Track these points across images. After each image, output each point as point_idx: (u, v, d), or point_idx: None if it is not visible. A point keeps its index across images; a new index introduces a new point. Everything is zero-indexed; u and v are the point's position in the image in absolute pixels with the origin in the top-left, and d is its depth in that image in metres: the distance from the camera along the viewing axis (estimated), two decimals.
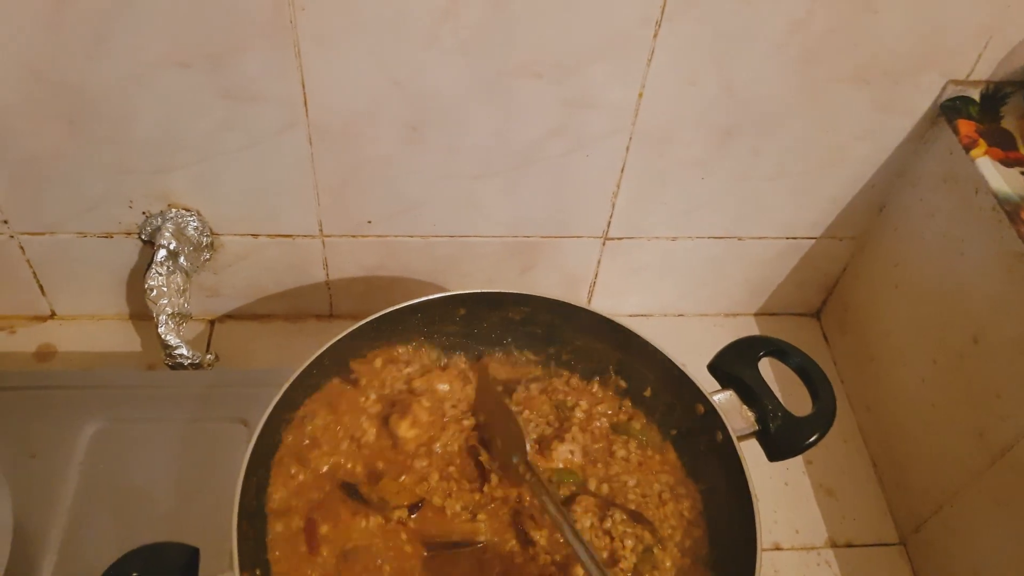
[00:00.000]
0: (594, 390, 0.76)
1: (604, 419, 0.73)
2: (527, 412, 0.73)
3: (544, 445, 0.70)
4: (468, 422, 0.72)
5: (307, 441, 0.69)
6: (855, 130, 0.84)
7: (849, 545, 0.86)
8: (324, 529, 0.64)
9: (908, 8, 0.74)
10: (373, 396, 0.72)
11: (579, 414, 0.74)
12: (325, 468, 0.67)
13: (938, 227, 0.83)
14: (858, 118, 0.82)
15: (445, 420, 0.71)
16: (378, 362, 0.74)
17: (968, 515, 0.78)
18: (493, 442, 0.70)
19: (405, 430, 0.69)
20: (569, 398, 0.75)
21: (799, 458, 0.91)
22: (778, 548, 0.85)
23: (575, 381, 0.77)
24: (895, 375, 0.89)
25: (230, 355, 0.93)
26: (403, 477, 0.67)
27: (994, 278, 0.75)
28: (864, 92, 0.80)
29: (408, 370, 0.74)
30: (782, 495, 0.88)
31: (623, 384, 0.76)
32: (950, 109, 0.81)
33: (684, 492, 0.70)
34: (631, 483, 0.69)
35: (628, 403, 0.76)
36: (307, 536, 0.63)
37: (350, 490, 0.66)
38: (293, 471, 0.67)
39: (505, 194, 0.86)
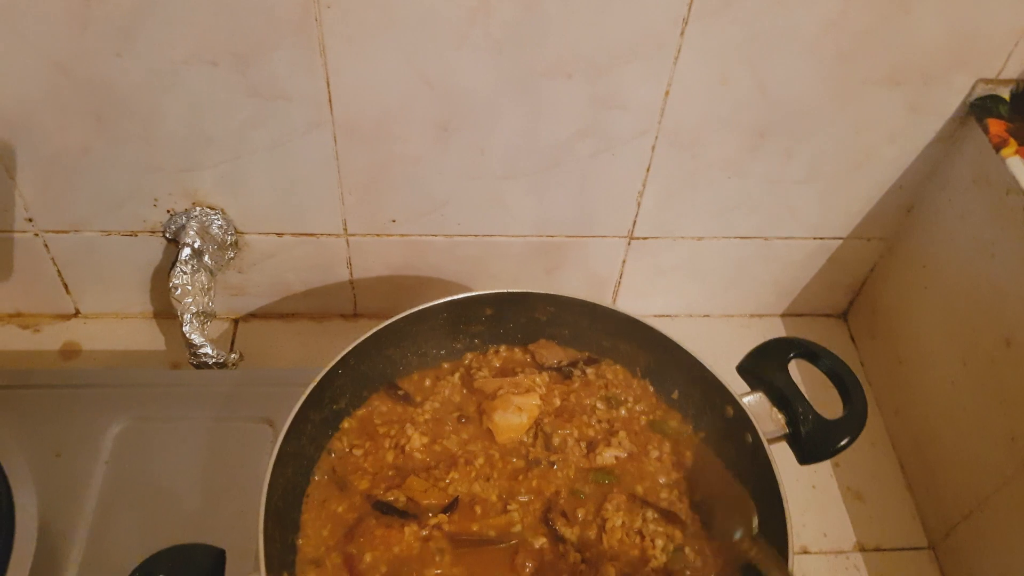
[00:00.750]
0: (634, 385, 0.76)
1: (644, 417, 0.73)
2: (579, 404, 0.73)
3: (592, 447, 0.70)
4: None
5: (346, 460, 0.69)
6: (886, 131, 0.83)
7: (878, 549, 0.85)
8: (366, 559, 0.63)
9: (940, 7, 0.73)
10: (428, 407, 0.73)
11: (623, 412, 0.73)
12: (364, 485, 0.67)
13: (968, 229, 0.82)
14: (889, 119, 0.81)
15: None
16: (427, 382, 0.75)
17: (1000, 521, 0.77)
18: (711, 512, 0.68)
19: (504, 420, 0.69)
20: (620, 392, 0.75)
21: (827, 461, 0.90)
22: (806, 552, 0.84)
23: (622, 373, 0.76)
24: (924, 378, 0.88)
25: (254, 354, 0.92)
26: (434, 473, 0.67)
27: None
28: (896, 93, 0.79)
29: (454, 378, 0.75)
30: (810, 498, 0.87)
31: (651, 387, 0.76)
32: (980, 108, 0.80)
33: None
34: (663, 481, 0.68)
35: (663, 402, 0.75)
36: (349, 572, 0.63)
37: (383, 507, 0.65)
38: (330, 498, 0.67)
39: (532, 194, 0.85)
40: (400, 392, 0.73)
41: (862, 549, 0.84)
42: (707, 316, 1.02)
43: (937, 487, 0.85)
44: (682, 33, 0.73)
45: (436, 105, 0.76)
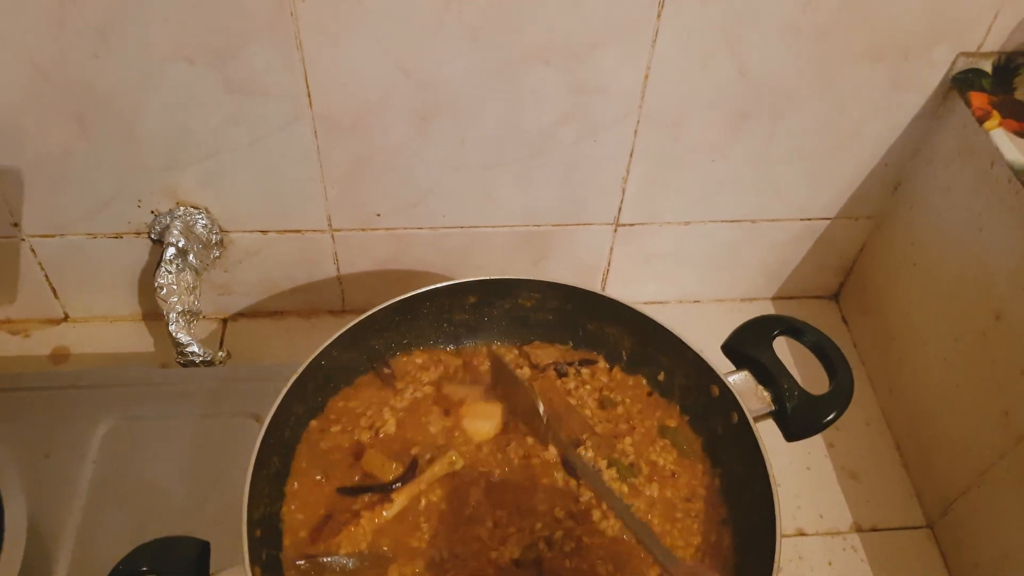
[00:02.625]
0: (631, 383, 0.76)
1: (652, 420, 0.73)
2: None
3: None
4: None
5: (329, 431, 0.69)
6: (868, 108, 0.82)
7: (875, 529, 0.84)
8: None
9: None
10: (409, 392, 0.72)
11: (620, 410, 0.73)
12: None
13: (954, 203, 0.81)
14: (871, 96, 0.81)
15: None
16: (419, 360, 0.75)
17: (996, 496, 0.76)
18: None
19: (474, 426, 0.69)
20: (614, 394, 0.74)
21: (821, 442, 0.90)
22: (802, 534, 0.83)
23: (618, 374, 0.76)
24: (917, 356, 0.87)
25: (243, 352, 0.92)
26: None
27: (1015, 252, 0.73)
28: (876, 69, 0.79)
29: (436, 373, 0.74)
30: (805, 480, 0.87)
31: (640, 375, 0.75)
32: (962, 82, 0.80)
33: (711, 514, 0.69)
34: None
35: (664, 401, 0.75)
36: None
37: (348, 491, 0.65)
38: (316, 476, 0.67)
39: (515, 183, 0.85)
40: (386, 371, 0.73)
41: (859, 529, 0.84)
42: (698, 302, 1.02)
43: (933, 465, 0.85)
44: (659, 16, 0.73)
45: (414, 95, 0.76)
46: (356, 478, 0.66)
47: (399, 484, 0.65)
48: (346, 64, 0.74)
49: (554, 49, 0.74)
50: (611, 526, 0.65)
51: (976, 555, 0.79)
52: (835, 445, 0.90)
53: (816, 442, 0.90)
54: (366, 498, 0.65)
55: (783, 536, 0.82)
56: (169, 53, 0.71)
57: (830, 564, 0.81)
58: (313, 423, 0.70)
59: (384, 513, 0.64)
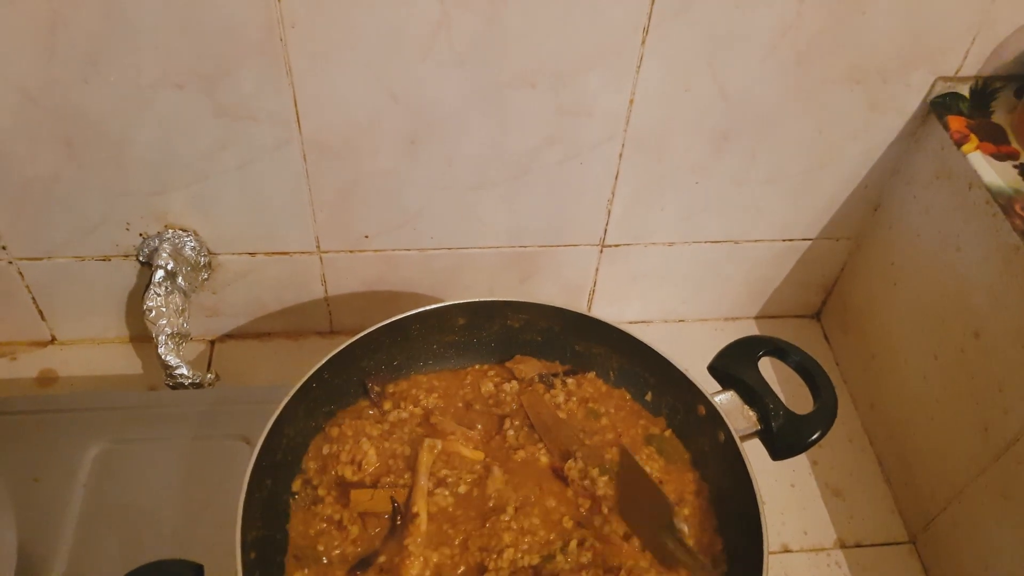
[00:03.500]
0: (615, 395, 0.77)
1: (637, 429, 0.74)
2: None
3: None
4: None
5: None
6: (848, 130, 0.84)
7: (858, 545, 0.85)
8: None
9: (894, 6, 0.74)
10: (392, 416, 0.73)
11: (605, 421, 0.74)
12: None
13: (933, 224, 0.83)
14: (850, 118, 0.83)
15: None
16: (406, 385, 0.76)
17: (977, 510, 0.77)
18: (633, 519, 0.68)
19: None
20: (599, 405, 0.75)
21: (805, 459, 0.91)
22: (787, 550, 0.84)
23: (603, 385, 0.77)
24: (897, 373, 0.89)
25: (232, 374, 0.93)
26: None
27: (992, 272, 0.75)
28: (855, 92, 0.81)
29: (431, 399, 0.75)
30: (789, 497, 0.88)
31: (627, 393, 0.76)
32: (940, 106, 0.82)
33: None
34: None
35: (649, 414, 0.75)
36: None
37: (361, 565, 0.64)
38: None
39: (502, 204, 0.86)
40: (376, 391, 0.74)
41: (843, 546, 0.85)
42: (682, 320, 1.03)
43: (914, 480, 0.86)
44: (643, 42, 0.74)
45: (403, 119, 0.77)
46: (355, 531, 0.65)
47: (399, 519, 0.65)
48: (335, 89, 0.75)
49: (540, 73, 0.75)
50: (615, 531, 0.66)
51: (958, 570, 0.80)
52: (819, 462, 0.91)
53: (800, 459, 0.91)
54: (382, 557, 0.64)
55: (769, 553, 0.83)
56: (158, 79, 0.72)
57: None
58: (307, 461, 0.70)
59: (421, 527, 0.64)
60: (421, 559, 0.63)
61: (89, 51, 0.69)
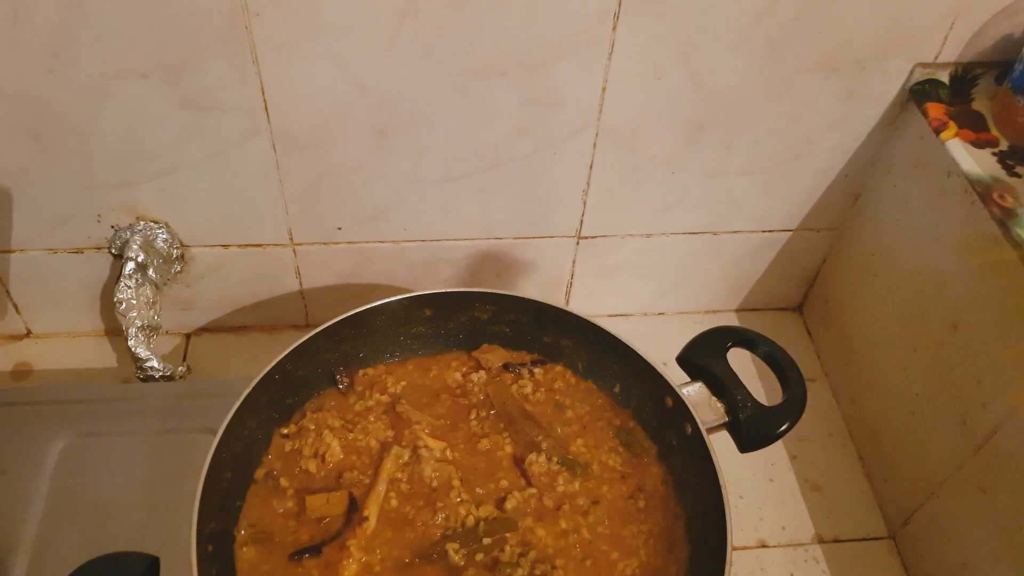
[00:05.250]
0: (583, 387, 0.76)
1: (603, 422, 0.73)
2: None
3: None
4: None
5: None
6: (825, 119, 0.83)
7: (837, 540, 0.84)
8: None
9: None
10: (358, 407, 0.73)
11: (570, 413, 0.73)
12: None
13: (912, 213, 0.82)
14: (827, 107, 0.82)
15: None
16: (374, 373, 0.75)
17: (955, 505, 0.76)
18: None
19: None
20: (565, 399, 0.74)
21: (784, 454, 0.90)
22: (764, 546, 0.83)
23: (571, 377, 0.76)
24: (877, 366, 0.88)
25: (207, 368, 0.92)
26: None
27: (970, 262, 0.74)
28: (831, 80, 0.79)
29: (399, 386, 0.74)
30: (767, 492, 0.87)
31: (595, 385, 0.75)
32: (919, 93, 0.80)
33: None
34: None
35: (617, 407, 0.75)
36: None
37: (295, 556, 0.64)
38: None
39: (474, 196, 0.85)
40: (345, 381, 0.73)
41: (821, 541, 0.84)
42: (662, 314, 1.02)
43: (894, 475, 0.85)
44: (614, 28, 0.73)
45: (371, 109, 0.76)
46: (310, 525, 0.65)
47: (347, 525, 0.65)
48: (303, 79, 0.74)
49: (509, 62, 0.74)
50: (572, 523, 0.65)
51: (936, 565, 0.79)
52: (798, 457, 0.90)
53: (779, 454, 0.90)
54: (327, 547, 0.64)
55: (745, 548, 0.83)
56: (121, 69, 0.71)
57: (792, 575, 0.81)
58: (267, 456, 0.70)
59: (367, 531, 0.64)
60: (358, 562, 0.63)
61: (52, 41, 0.69)
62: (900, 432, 0.84)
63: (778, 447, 0.90)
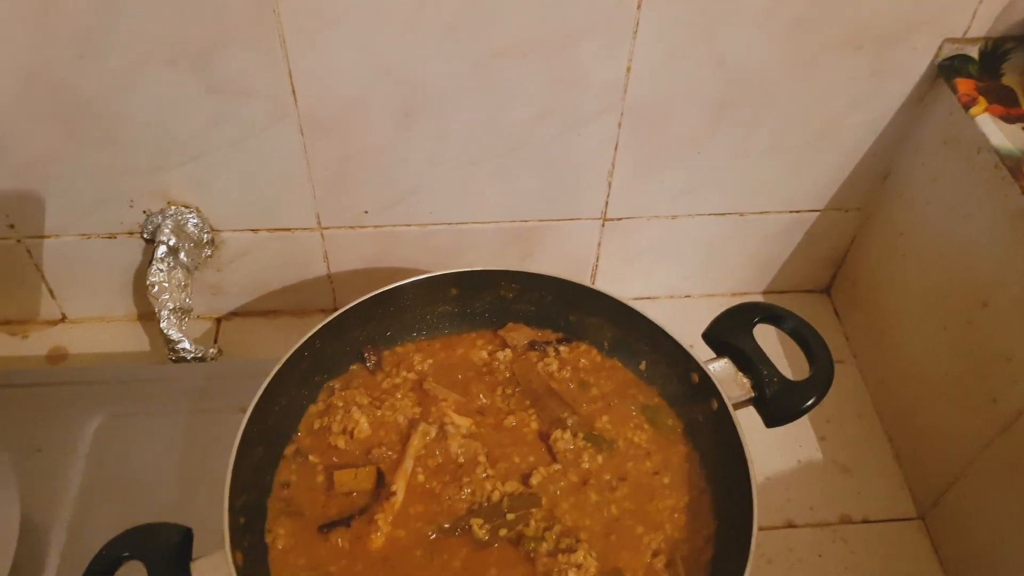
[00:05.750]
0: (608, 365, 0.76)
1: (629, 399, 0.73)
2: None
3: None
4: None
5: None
6: (851, 98, 0.82)
7: (866, 521, 0.83)
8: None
9: None
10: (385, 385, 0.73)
11: (595, 391, 0.73)
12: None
13: (942, 191, 0.81)
14: (853, 85, 0.81)
15: None
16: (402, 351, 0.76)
17: (986, 484, 0.75)
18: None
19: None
20: (591, 377, 0.74)
21: (812, 435, 0.89)
22: (791, 526, 0.83)
23: (597, 356, 0.76)
24: (907, 347, 0.87)
25: (236, 351, 0.93)
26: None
27: (1000, 239, 0.73)
28: (858, 58, 0.79)
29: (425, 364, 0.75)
30: (794, 473, 0.86)
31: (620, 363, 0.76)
32: (948, 69, 0.79)
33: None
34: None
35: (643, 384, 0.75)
36: None
37: (325, 528, 0.65)
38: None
39: (500, 178, 0.86)
40: (372, 359, 0.74)
41: (849, 521, 0.83)
42: (688, 296, 1.02)
43: (923, 456, 0.84)
44: (638, 6, 0.73)
45: (396, 92, 0.77)
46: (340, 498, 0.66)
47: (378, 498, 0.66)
48: (329, 62, 0.75)
49: (533, 43, 0.74)
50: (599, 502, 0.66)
51: (967, 545, 0.78)
52: (826, 438, 0.89)
53: (807, 435, 0.89)
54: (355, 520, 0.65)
55: (772, 528, 0.82)
56: (151, 54, 0.72)
57: (820, 556, 0.81)
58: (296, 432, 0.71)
59: (395, 506, 0.65)
60: (386, 535, 0.64)
61: (81, 28, 0.70)
62: (929, 412, 0.83)
63: (806, 428, 0.90)
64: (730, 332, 0.69)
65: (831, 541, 0.82)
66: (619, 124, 0.82)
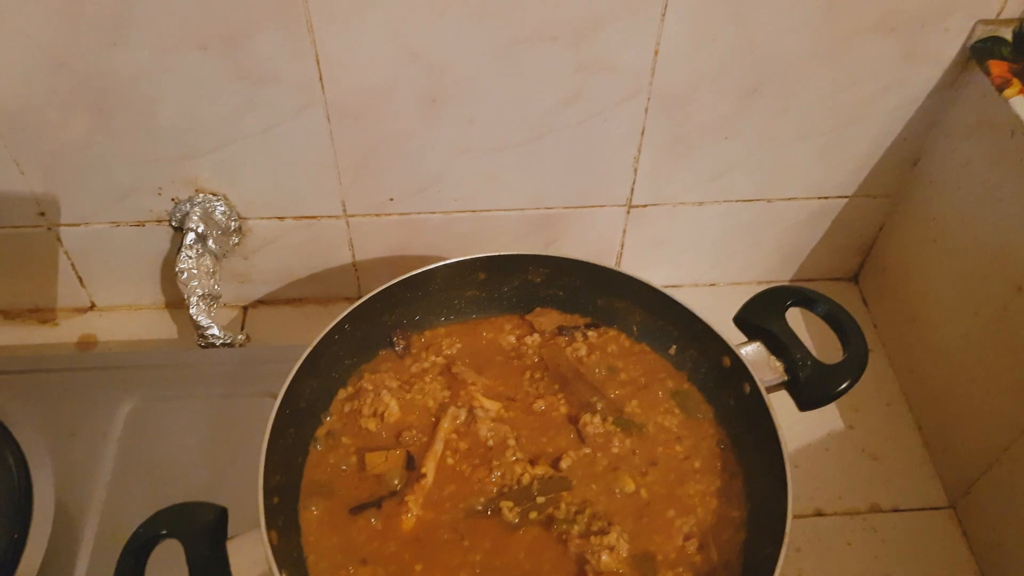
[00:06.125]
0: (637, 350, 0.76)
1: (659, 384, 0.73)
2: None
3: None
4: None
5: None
6: (882, 81, 0.81)
7: (895, 510, 0.83)
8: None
9: None
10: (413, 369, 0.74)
11: (624, 376, 0.73)
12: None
13: (973, 175, 0.80)
14: (885, 68, 0.80)
15: None
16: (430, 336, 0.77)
17: (1020, 472, 0.74)
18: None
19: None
20: (620, 361, 0.74)
21: (840, 423, 0.89)
22: (820, 514, 0.82)
23: (626, 341, 0.76)
24: (937, 334, 0.86)
25: (263, 338, 0.94)
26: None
27: None
28: (889, 41, 0.78)
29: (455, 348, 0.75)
30: (823, 461, 0.86)
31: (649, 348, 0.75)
32: (981, 51, 0.79)
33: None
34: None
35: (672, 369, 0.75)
36: None
37: (356, 511, 0.65)
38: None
39: (524, 165, 0.85)
40: (401, 344, 0.74)
41: (879, 510, 0.82)
42: (714, 285, 1.01)
43: (954, 444, 0.83)
44: None
45: (423, 78, 0.77)
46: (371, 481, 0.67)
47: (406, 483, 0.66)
48: (357, 48, 0.75)
49: (560, 27, 0.74)
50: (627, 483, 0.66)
51: (999, 534, 0.77)
52: (855, 427, 0.89)
53: (835, 423, 0.88)
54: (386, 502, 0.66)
55: (801, 516, 0.82)
56: (181, 41, 0.73)
57: (849, 544, 0.80)
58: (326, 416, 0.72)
59: (425, 487, 0.66)
60: (416, 516, 0.64)
61: (112, 15, 0.71)
62: (960, 400, 0.82)
63: (834, 417, 0.89)
64: (762, 316, 0.69)
65: (860, 530, 0.81)
66: (646, 109, 0.82)
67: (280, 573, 0.56)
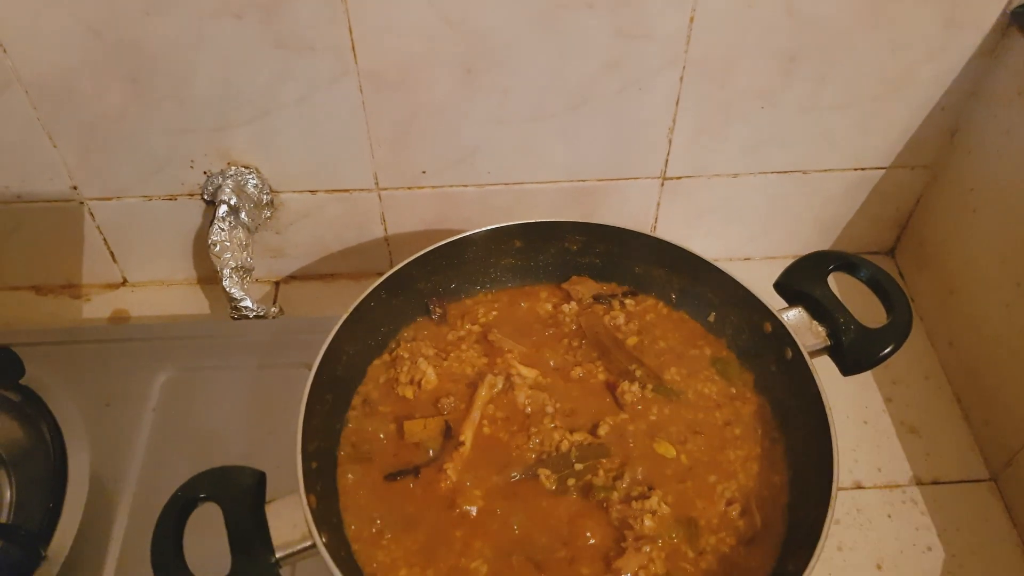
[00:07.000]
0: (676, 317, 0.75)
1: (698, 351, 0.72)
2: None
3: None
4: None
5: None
6: (922, 49, 0.80)
7: (935, 482, 0.81)
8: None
9: None
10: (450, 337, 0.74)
11: (662, 344, 0.73)
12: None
13: (1014, 143, 0.79)
14: (925, 35, 0.79)
15: None
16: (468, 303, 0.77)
17: None
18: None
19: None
20: (659, 329, 0.74)
21: (878, 396, 0.87)
22: (860, 487, 0.81)
23: (664, 308, 0.76)
24: (977, 305, 0.85)
25: (295, 313, 0.94)
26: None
27: None
28: (929, 6, 0.77)
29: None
30: (862, 434, 0.85)
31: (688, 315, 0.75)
32: (1021, 16, 0.77)
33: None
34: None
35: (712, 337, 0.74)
36: None
37: (392, 477, 0.65)
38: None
39: (560, 136, 0.85)
40: (438, 311, 0.74)
41: (919, 483, 0.81)
42: (748, 259, 1.00)
43: (996, 416, 0.82)
44: None
45: (459, 46, 0.77)
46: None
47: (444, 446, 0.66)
48: (390, 15, 0.74)
49: None
50: (668, 449, 0.65)
51: None
52: (893, 400, 0.87)
53: (873, 396, 0.87)
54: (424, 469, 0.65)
55: (841, 489, 0.80)
56: (218, 8, 0.73)
57: (889, 517, 0.79)
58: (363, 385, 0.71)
59: (464, 455, 0.65)
60: (454, 483, 0.64)
61: None
62: (1001, 371, 0.81)
63: (872, 390, 0.88)
64: (803, 281, 0.68)
65: (901, 502, 0.80)
66: (680, 78, 0.81)
67: (320, 535, 0.56)
